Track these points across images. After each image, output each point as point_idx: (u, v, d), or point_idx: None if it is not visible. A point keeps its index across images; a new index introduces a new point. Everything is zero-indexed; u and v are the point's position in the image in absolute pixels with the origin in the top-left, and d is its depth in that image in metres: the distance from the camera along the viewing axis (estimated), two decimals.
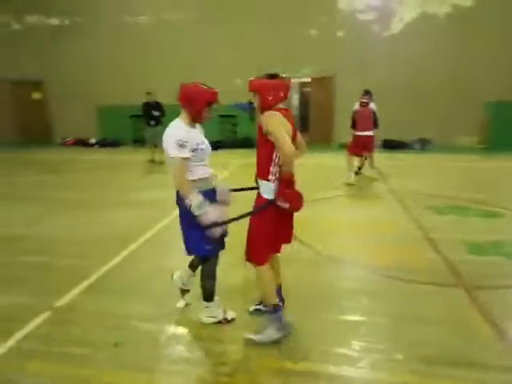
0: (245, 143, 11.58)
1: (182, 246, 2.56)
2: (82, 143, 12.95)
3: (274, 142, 2.31)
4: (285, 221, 2.56)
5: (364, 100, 6.99)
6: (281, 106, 2.44)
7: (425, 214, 5.14)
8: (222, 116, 11.99)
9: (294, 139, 2.43)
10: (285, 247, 2.73)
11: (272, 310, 2.52)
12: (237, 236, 2.71)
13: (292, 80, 2.50)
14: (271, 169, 2.40)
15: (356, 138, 7.09)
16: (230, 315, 2.78)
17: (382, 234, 4.49)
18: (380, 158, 9.15)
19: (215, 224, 2.36)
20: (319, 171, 7.92)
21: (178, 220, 2.55)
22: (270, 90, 2.36)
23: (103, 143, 12.82)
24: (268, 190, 2.43)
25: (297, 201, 2.41)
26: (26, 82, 13.41)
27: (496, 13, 10.43)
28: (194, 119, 2.47)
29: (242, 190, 2.74)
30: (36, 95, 13.63)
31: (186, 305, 2.98)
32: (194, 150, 2.39)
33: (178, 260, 3.09)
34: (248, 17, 11.72)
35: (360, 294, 3.17)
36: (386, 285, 3.33)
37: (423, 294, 3.16)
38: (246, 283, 3.26)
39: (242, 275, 3.36)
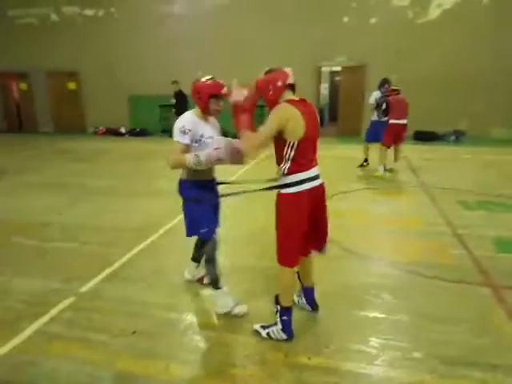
0: None
1: None
2: (113, 132, 13.30)
3: (283, 140, 2.27)
4: (314, 217, 2.46)
5: (396, 87, 6.73)
6: (292, 96, 2.37)
7: (454, 209, 4.94)
8: None
9: (309, 132, 2.29)
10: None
11: (281, 310, 2.49)
12: None
13: (287, 69, 2.41)
14: (282, 165, 2.36)
15: (392, 126, 6.62)
16: (238, 309, 2.73)
17: (409, 228, 4.37)
18: (412, 150, 8.89)
19: (219, 152, 2.40)
20: (347, 163, 7.75)
21: None
22: (268, 85, 2.33)
23: (133, 132, 13.11)
24: (280, 181, 2.40)
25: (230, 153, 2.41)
26: (61, 73, 13.84)
27: None
28: (204, 112, 2.61)
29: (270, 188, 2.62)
30: (71, 85, 14.06)
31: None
32: (196, 141, 2.55)
33: None
34: (279, 5, 11.54)
35: (382, 289, 3.09)
36: (409, 281, 3.24)
37: (447, 291, 3.05)
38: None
39: None
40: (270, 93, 2.34)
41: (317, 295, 2.80)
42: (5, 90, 14.76)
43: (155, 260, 3.65)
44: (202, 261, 2.89)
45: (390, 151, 6.94)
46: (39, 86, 14.23)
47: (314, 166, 2.41)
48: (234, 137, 2.48)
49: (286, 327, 2.47)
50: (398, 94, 6.71)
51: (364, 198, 5.69)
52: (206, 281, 2.98)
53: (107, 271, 3.39)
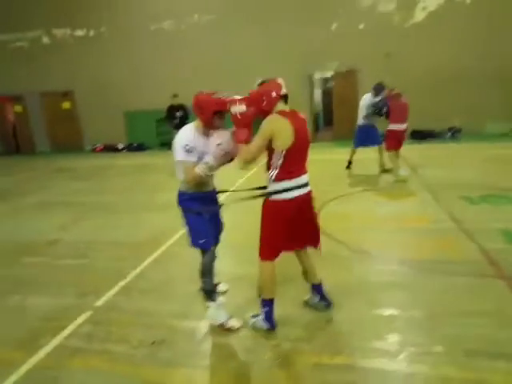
0: None
1: None
2: (111, 149, 13.33)
3: (271, 149, 2.38)
4: (299, 223, 2.57)
5: (396, 91, 6.71)
6: (284, 107, 2.44)
7: (458, 204, 4.99)
8: None
9: (297, 142, 2.37)
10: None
11: (263, 302, 2.61)
12: None
13: (279, 80, 2.48)
14: (269, 172, 2.45)
15: (392, 132, 6.50)
16: (231, 323, 2.68)
17: (415, 226, 4.40)
18: (409, 149, 8.94)
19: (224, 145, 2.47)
20: (345, 166, 7.80)
21: None
22: (262, 95, 2.40)
23: (130, 148, 13.15)
24: (269, 188, 2.50)
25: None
26: (55, 93, 13.91)
27: None
28: (206, 126, 2.58)
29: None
30: (65, 105, 14.12)
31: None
32: (199, 158, 2.52)
33: None
34: (270, 16, 11.71)
35: (394, 287, 3.11)
36: (421, 278, 3.26)
37: (460, 286, 3.07)
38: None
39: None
40: (264, 103, 2.41)
41: (327, 290, 2.85)
42: (0, 113, 14.78)
43: (166, 271, 3.66)
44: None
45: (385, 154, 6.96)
46: (34, 107, 14.27)
47: (302, 174, 2.50)
48: None
49: (268, 318, 2.60)
50: (399, 96, 6.67)
51: (366, 200, 5.72)
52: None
53: (120, 284, 3.40)
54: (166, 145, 12.01)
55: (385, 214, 4.97)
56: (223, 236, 2.99)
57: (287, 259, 2.71)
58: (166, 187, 7.02)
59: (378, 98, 6.71)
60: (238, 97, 2.46)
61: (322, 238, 2.77)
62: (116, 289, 3.33)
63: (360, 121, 7.08)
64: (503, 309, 2.71)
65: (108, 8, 12.98)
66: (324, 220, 4.49)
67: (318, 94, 14.97)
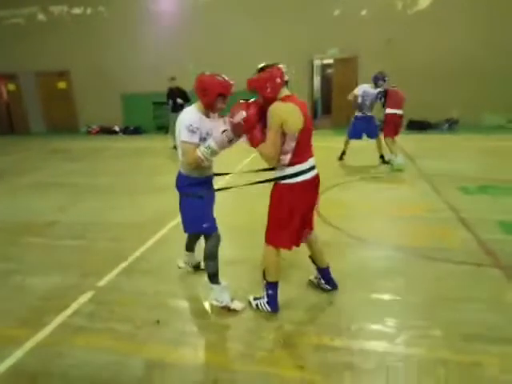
0: None
1: None
2: (107, 131, 13.20)
3: (283, 133, 2.35)
4: (310, 206, 2.61)
5: (394, 86, 6.75)
6: (287, 92, 2.43)
7: (455, 194, 5.05)
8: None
9: (306, 130, 2.41)
10: (315, 230, 2.81)
11: (267, 284, 2.66)
12: None
13: (282, 65, 2.45)
14: (282, 156, 2.43)
15: (390, 117, 6.60)
16: (235, 305, 2.73)
17: (412, 215, 4.45)
18: (406, 139, 9.00)
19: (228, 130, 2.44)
20: (347, 155, 7.81)
21: None
22: (266, 82, 2.37)
23: (127, 131, 13.03)
24: (280, 172, 2.50)
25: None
26: (50, 73, 13.68)
27: None
28: (207, 108, 2.56)
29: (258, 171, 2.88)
30: (61, 85, 13.90)
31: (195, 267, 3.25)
32: (202, 139, 2.50)
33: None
34: (272, 2, 11.54)
35: (392, 273, 3.17)
36: (419, 264, 3.32)
37: (457, 273, 3.14)
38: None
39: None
40: (268, 90, 2.38)
41: (332, 274, 2.91)
42: None
43: (167, 252, 3.67)
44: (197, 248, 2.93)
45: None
46: (28, 86, 14.04)
47: (310, 157, 2.53)
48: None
49: (271, 300, 2.65)
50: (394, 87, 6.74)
51: (364, 188, 5.77)
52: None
53: (123, 265, 3.42)
54: (163, 128, 11.94)
55: (383, 201, 5.02)
56: (225, 219, 3.02)
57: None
58: (163, 170, 7.04)
59: (379, 89, 6.68)
60: (242, 101, 2.46)
61: (321, 224, 2.82)
62: (117, 270, 3.35)
63: (357, 112, 6.97)
64: (499, 296, 2.78)
65: None
66: (322, 207, 4.55)
67: (316, 80, 14.87)
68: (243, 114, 2.37)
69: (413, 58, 10.83)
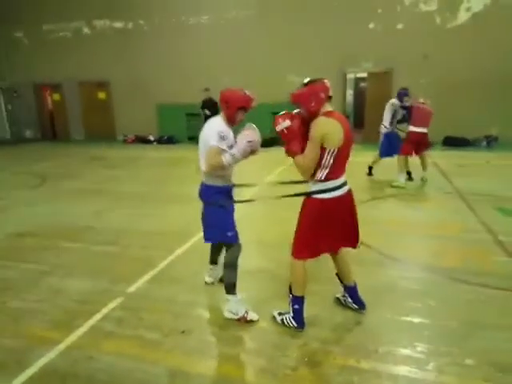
0: None
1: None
2: (142, 140, 13.62)
3: (322, 148, 2.36)
4: (338, 223, 2.57)
5: (423, 101, 6.59)
6: (330, 108, 2.44)
7: (492, 215, 4.84)
8: (274, 114, 12.02)
9: (346, 146, 2.42)
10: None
11: (293, 299, 2.64)
12: None
13: (326, 81, 2.48)
14: (318, 171, 2.44)
15: (411, 135, 6.42)
16: (251, 316, 2.74)
17: (447, 234, 4.31)
18: (442, 156, 8.76)
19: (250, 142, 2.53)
20: (376, 170, 7.67)
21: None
22: (310, 96, 2.40)
23: (161, 140, 13.39)
24: (312, 187, 2.51)
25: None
26: (92, 83, 14.33)
27: None
28: (228, 121, 2.66)
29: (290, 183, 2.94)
30: (101, 95, 14.52)
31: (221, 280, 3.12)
32: (229, 147, 2.58)
33: None
34: (307, 14, 11.61)
35: (424, 295, 3.07)
36: (452, 287, 3.20)
37: (494, 299, 3.00)
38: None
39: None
40: (312, 104, 2.41)
41: (360, 293, 2.85)
42: (39, 100, 15.36)
43: (194, 262, 3.72)
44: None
45: (416, 160, 6.77)
46: (71, 95, 14.76)
47: (343, 174, 2.54)
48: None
49: (297, 316, 2.62)
50: (424, 104, 6.55)
51: (397, 205, 5.64)
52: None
53: (151, 273, 3.50)
54: (194, 139, 12.18)
55: (415, 219, 4.89)
56: (253, 230, 3.03)
57: (320, 258, 2.71)
58: (194, 180, 7.10)
59: (405, 104, 6.52)
60: (284, 111, 2.51)
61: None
62: (146, 277, 3.43)
63: (385, 128, 6.81)
64: None
65: (147, 1, 13.21)
66: None
67: (349, 94, 14.77)
68: (288, 123, 2.43)
69: (450, 72, 10.57)
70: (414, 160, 6.71)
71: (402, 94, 6.55)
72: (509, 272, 3.40)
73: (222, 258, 3.05)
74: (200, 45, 12.76)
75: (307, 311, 2.68)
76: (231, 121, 2.66)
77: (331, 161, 2.39)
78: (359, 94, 14.72)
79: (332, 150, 2.36)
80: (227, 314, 2.79)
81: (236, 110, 2.59)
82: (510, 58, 10.12)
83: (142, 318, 2.81)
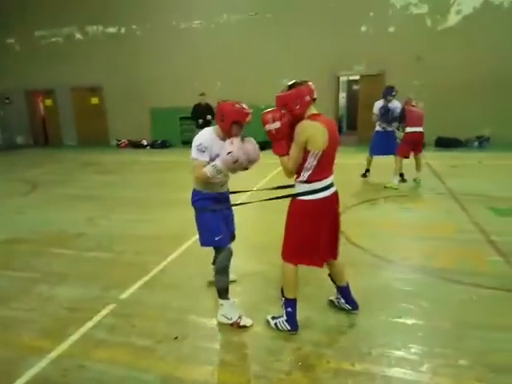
0: None
1: None
2: (135, 145, 13.57)
3: (306, 151, 2.38)
4: (325, 226, 2.56)
5: (413, 102, 6.64)
6: (314, 111, 2.45)
7: (485, 215, 4.87)
8: None
9: (331, 149, 2.44)
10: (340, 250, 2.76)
11: (285, 301, 2.64)
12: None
13: (310, 83, 2.48)
14: (302, 173, 2.46)
15: (409, 135, 6.46)
16: (244, 322, 2.73)
17: (440, 235, 4.32)
18: (434, 156, 8.81)
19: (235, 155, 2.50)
20: (370, 172, 7.70)
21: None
22: (295, 99, 2.40)
23: (154, 145, 13.35)
24: (297, 188, 2.53)
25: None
26: (84, 88, 14.28)
27: None
28: (224, 134, 2.64)
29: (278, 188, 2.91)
30: (94, 100, 14.47)
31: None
32: (212, 159, 2.58)
33: None
34: (297, 17, 11.68)
35: (417, 296, 3.07)
36: (445, 288, 3.20)
37: (487, 298, 3.00)
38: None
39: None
40: (297, 107, 2.41)
41: (353, 294, 2.85)
42: (31, 106, 15.29)
43: (189, 267, 3.71)
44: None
45: (408, 161, 6.80)
46: (64, 101, 14.69)
47: (330, 175, 2.54)
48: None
49: (290, 319, 2.62)
50: (416, 105, 6.61)
51: (391, 206, 5.65)
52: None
53: (145, 279, 3.47)
54: (188, 143, 12.15)
55: (408, 221, 4.90)
56: (244, 234, 3.02)
57: None
58: (188, 185, 7.11)
59: (387, 103, 6.57)
60: (270, 109, 2.49)
61: (344, 243, 2.78)
62: (139, 283, 3.40)
63: (378, 126, 6.90)
64: None
65: (139, 6, 13.20)
66: (346, 226, 4.45)
67: (342, 96, 14.85)
68: (277, 124, 2.42)
69: (442, 74, 10.65)
70: (406, 161, 6.74)
71: (385, 93, 6.62)
72: (501, 272, 3.41)
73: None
74: (192, 49, 12.77)
75: (300, 314, 2.67)
76: (227, 134, 2.64)
77: (314, 163, 2.40)
78: (352, 97, 14.82)
79: (316, 153, 2.38)
80: (220, 319, 2.78)
81: (230, 124, 2.57)
82: (500, 59, 10.23)
83: (134, 325, 2.78)
